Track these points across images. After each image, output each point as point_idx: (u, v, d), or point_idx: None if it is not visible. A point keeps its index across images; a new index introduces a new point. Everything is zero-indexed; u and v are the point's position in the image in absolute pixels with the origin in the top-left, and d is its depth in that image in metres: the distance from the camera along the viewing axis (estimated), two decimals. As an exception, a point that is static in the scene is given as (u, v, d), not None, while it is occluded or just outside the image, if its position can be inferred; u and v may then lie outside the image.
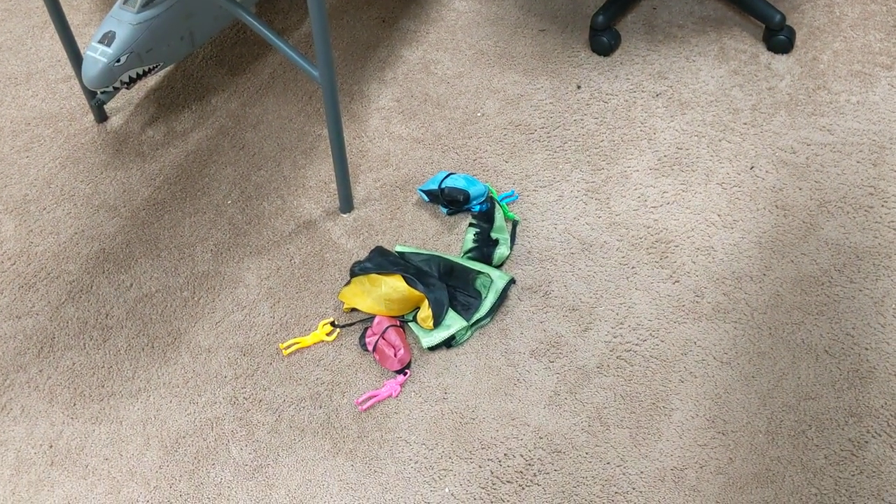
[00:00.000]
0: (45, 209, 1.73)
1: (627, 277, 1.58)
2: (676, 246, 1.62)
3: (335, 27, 2.06)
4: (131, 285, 1.60)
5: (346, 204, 1.71)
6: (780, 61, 1.93)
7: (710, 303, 1.53)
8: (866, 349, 1.46)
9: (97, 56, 1.69)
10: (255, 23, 1.44)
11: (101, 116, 1.87)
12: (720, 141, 1.78)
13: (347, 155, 1.80)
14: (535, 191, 1.72)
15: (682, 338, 1.49)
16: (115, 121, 1.88)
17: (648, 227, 1.65)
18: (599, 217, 1.67)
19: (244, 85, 1.95)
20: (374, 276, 1.52)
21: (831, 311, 1.51)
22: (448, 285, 1.53)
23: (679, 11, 2.05)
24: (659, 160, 1.76)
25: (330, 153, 1.81)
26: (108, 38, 1.69)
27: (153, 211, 1.72)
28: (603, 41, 1.96)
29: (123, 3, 1.72)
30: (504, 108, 1.88)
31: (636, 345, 1.48)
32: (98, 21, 2.09)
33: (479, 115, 1.87)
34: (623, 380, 1.44)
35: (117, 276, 1.61)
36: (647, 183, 1.72)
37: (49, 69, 2.00)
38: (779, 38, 1.93)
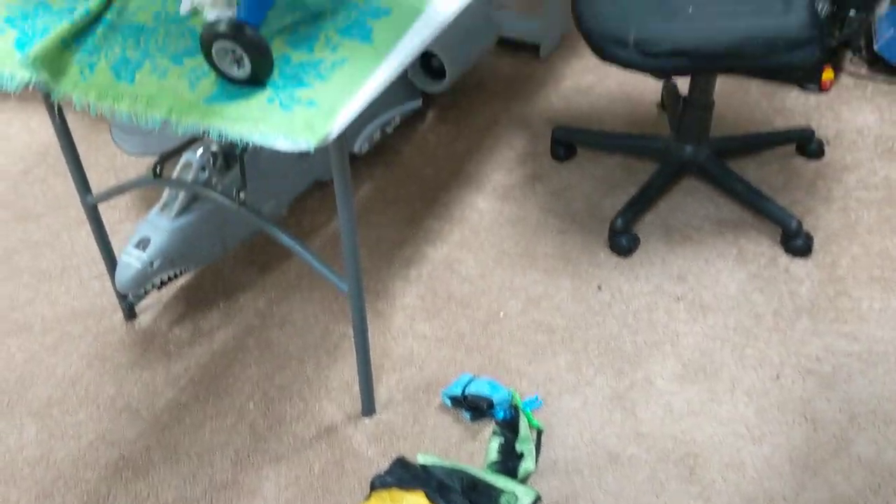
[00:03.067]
0: (67, 412, 1.73)
1: (657, 495, 1.53)
2: (705, 460, 1.58)
3: (363, 225, 2.13)
4: (148, 495, 1.57)
5: (369, 407, 1.70)
6: (800, 265, 1.95)
7: (743, 524, 1.48)
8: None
9: (132, 261, 1.74)
10: (286, 237, 1.49)
11: (131, 315, 1.91)
12: (744, 347, 1.78)
13: (371, 355, 1.81)
14: (559, 395, 1.71)
15: (716, 564, 1.42)
16: (143, 319, 1.92)
17: (676, 439, 1.62)
18: (625, 426, 1.65)
19: (272, 283, 1.99)
20: (395, 492, 1.49)
21: (872, 537, 1.44)
22: (471, 502, 1.49)
23: (695, 213, 2.11)
24: (683, 366, 1.75)
25: (353, 352, 1.81)
26: (143, 244, 1.75)
27: (175, 413, 1.71)
28: (622, 243, 2.00)
29: (161, 210, 1.80)
30: (526, 307, 1.90)
31: (668, 571, 1.42)
32: (133, 219, 2.17)
33: (501, 315, 1.89)
34: None
35: (135, 485, 1.59)
36: (672, 390, 1.71)
37: (83, 265, 2.06)
38: (796, 243, 1.96)
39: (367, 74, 1.21)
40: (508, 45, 2.68)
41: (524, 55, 2.67)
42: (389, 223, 2.14)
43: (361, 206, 2.19)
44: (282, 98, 1.15)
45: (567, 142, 2.30)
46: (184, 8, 1.31)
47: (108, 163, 2.36)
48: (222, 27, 1.11)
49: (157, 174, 1.68)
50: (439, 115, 2.49)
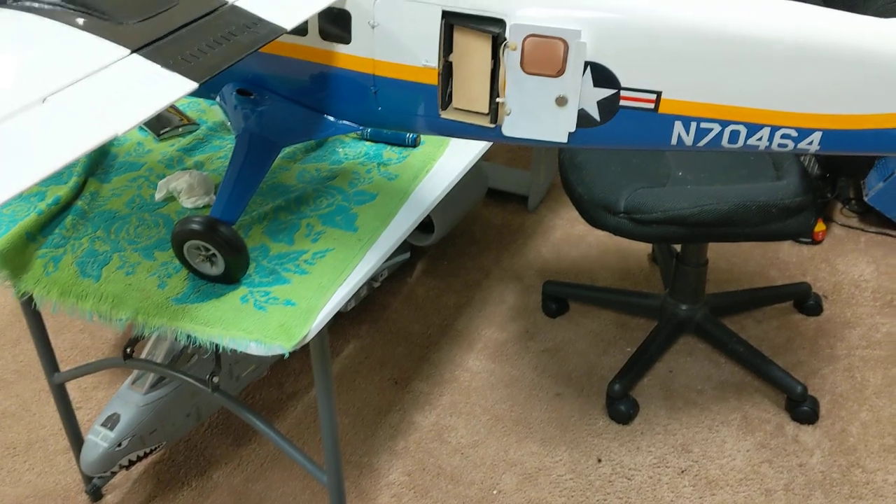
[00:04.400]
0: None
1: None
2: None
3: (347, 390, 2.03)
4: None
5: None
6: (808, 433, 1.85)
7: None
8: None
9: (98, 440, 1.63)
10: (264, 427, 1.39)
11: (96, 496, 1.78)
12: (756, 530, 1.66)
13: (354, 542, 1.68)
14: (558, 587, 1.57)
15: None
16: (110, 499, 1.78)
17: None
18: None
19: (249, 457, 1.87)
20: None
21: None
22: None
23: (696, 375, 2.02)
24: (692, 552, 1.63)
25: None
26: (111, 421, 1.64)
27: None
28: (621, 410, 1.90)
29: (132, 384, 1.70)
30: (522, 483, 1.78)
31: None
32: (107, 385, 2.06)
33: (495, 492, 1.77)
34: None
35: None
36: (682, 581, 1.57)
37: (50, 437, 1.94)
38: (803, 410, 1.87)
39: (349, 266, 1.15)
40: (498, 196, 2.67)
41: (513, 205, 2.65)
42: (375, 387, 2.04)
43: (346, 369, 2.10)
44: (257, 297, 1.08)
45: (559, 297, 2.24)
46: (159, 194, 1.27)
47: (81, 329, 2.26)
48: (195, 226, 1.05)
49: (128, 354, 1.59)
50: (428, 268, 2.44)
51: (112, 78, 0.72)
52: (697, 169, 1.82)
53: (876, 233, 2.43)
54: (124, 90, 0.71)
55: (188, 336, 1.06)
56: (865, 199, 2.40)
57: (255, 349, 1.03)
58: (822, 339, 2.10)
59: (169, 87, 0.73)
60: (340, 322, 2.20)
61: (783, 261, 2.36)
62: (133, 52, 0.77)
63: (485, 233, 2.57)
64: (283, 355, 1.04)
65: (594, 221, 1.75)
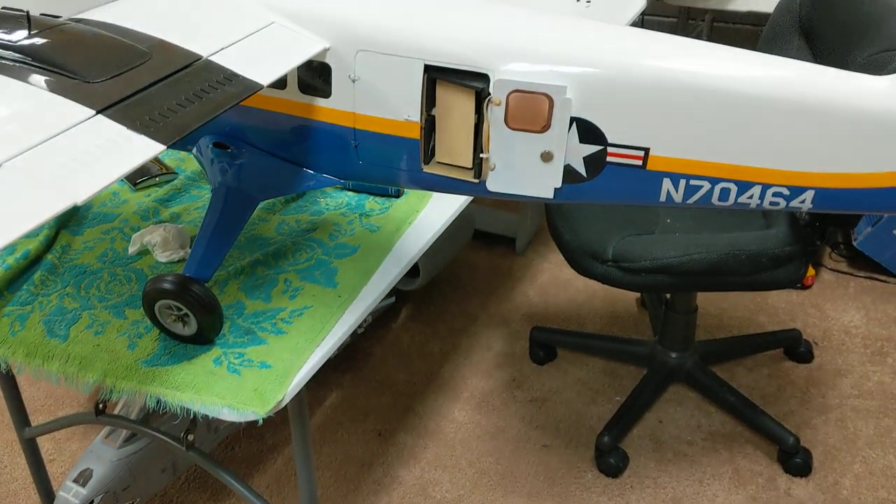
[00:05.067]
0: None
1: None
2: None
3: (329, 442, 1.97)
4: None
5: None
6: (800, 486, 1.81)
7: None
8: None
9: (69, 497, 1.56)
10: (237, 486, 1.34)
11: (66, 558, 1.70)
12: (750, 590, 1.61)
13: None
14: None
15: None
16: (80, 560, 1.71)
17: None
18: None
19: (227, 514, 1.81)
20: None
21: None
22: None
23: (686, 425, 1.98)
24: None
25: None
26: (83, 477, 1.58)
27: None
28: (610, 463, 1.85)
29: (105, 438, 1.64)
30: (508, 541, 1.73)
31: None
32: (80, 437, 2.00)
33: (481, 550, 1.71)
34: None
35: None
36: None
37: (22, 491, 1.87)
38: (795, 462, 1.83)
39: (327, 326, 1.10)
40: (485, 238, 2.64)
41: (500, 248, 2.62)
42: (358, 440, 1.98)
43: (328, 420, 2.04)
44: (231, 359, 1.04)
45: (547, 343, 2.20)
46: (132, 248, 1.23)
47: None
48: (166, 285, 1.01)
49: (101, 410, 1.54)
50: (413, 313, 2.39)
51: (73, 141, 0.69)
52: (686, 216, 1.79)
53: (865, 278, 2.41)
54: (85, 155, 0.67)
55: (158, 401, 1.01)
56: (854, 243, 2.38)
57: (227, 415, 0.98)
58: (813, 387, 2.07)
59: (134, 151, 0.70)
60: (323, 370, 2.12)
61: (773, 306, 2.34)
62: (98, 112, 0.73)
63: (472, 276, 2.53)
64: (256, 421, 0.99)
65: (582, 269, 1.72)
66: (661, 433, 1.96)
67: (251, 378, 1.01)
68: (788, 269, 1.63)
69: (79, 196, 0.64)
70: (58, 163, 0.66)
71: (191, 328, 1.04)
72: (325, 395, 2.10)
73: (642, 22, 2.87)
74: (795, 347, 2.14)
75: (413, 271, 2.26)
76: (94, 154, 0.68)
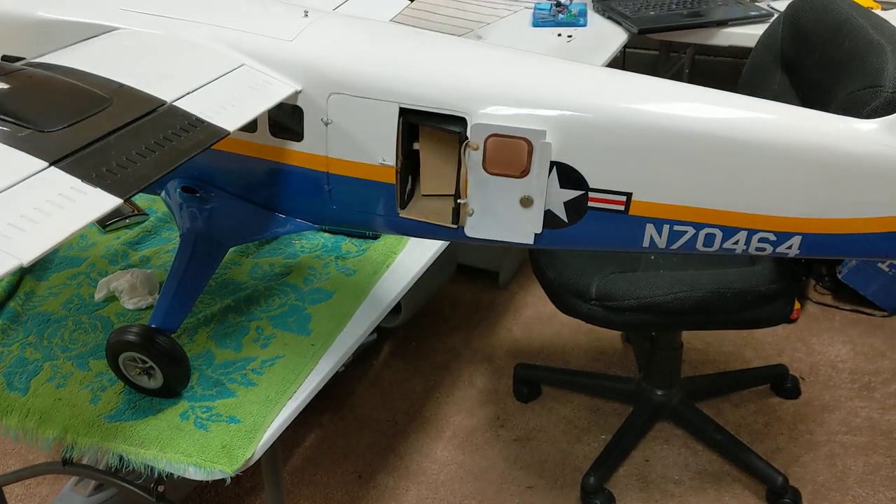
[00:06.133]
0: None
1: None
2: None
3: (307, 484, 1.92)
4: None
5: None
6: (791, 528, 1.77)
7: None
8: None
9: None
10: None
11: None
12: None
13: None
14: None
15: None
16: None
17: None
18: None
19: (201, 562, 1.75)
20: None
21: None
22: None
23: (673, 464, 1.94)
24: None
25: None
26: (50, 529, 1.53)
27: None
28: (596, 504, 1.81)
29: (76, 485, 1.59)
30: (492, 588, 1.67)
31: None
32: (51, 482, 1.93)
33: None
34: None
35: None
36: None
37: (-15, 542, 1.80)
38: (784, 503, 1.79)
39: (300, 377, 1.07)
40: (467, 272, 2.60)
41: (483, 282, 2.59)
42: (338, 482, 1.93)
43: (307, 461, 1.98)
44: (198, 413, 0.99)
45: (531, 380, 2.16)
46: (99, 294, 1.18)
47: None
48: (130, 337, 0.96)
49: (68, 459, 1.48)
50: (395, 349, 2.35)
51: (23, 196, 0.65)
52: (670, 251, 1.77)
53: (850, 311, 2.39)
54: (35, 211, 0.63)
55: (120, 458, 0.96)
56: (839, 276, 2.36)
57: (193, 474, 0.94)
58: (801, 423, 2.04)
59: (88, 205, 0.66)
60: (303, 410, 2.10)
61: (759, 340, 2.31)
62: (51, 164, 0.69)
63: (454, 311, 2.49)
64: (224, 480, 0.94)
65: (566, 308, 1.68)
66: (648, 472, 1.92)
67: (219, 433, 0.96)
68: (775, 307, 1.60)
69: (24, 257, 0.60)
70: (4, 220, 0.62)
71: (156, 381, 1.00)
72: (303, 436, 2.05)
73: (624, 55, 2.86)
74: (782, 383, 2.11)
75: (395, 308, 2.22)
76: (45, 210, 0.64)
